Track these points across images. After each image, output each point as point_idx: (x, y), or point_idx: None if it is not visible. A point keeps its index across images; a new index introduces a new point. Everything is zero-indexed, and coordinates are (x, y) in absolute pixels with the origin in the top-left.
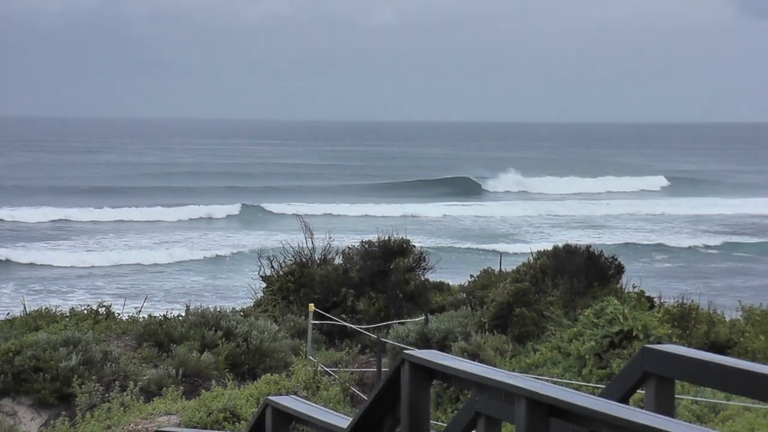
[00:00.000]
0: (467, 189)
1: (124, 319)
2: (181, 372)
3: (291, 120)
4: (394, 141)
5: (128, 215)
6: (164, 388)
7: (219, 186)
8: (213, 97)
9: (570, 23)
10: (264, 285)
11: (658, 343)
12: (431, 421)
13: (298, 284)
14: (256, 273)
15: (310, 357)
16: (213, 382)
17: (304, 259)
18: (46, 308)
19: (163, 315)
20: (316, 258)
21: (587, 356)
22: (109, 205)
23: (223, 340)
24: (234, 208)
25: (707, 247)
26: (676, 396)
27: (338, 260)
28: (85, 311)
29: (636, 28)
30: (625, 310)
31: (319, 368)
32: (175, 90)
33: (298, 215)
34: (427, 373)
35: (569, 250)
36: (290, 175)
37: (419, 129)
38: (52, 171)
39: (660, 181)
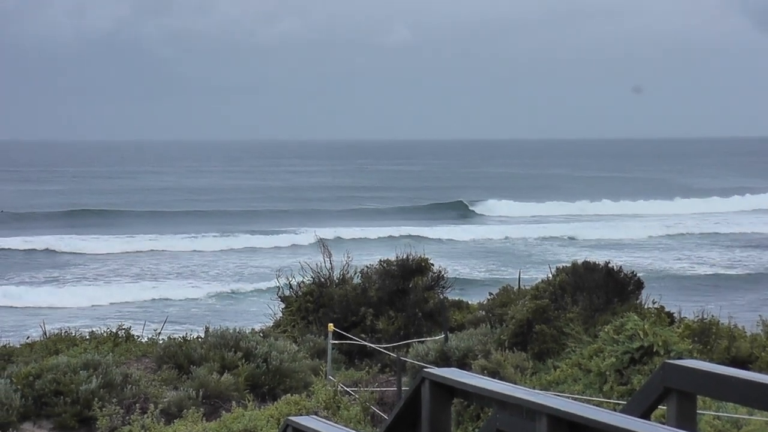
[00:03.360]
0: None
1: (143, 341)
2: (201, 394)
3: (307, 140)
4: (410, 160)
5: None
6: (185, 410)
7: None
8: (229, 118)
9: (586, 38)
10: (283, 305)
11: (679, 358)
12: None
13: (316, 304)
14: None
15: (330, 377)
16: (233, 403)
17: (322, 279)
18: (66, 331)
19: (183, 337)
20: (335, 278)
21: (608, 373)
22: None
23: (243, 361)
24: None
25: None
26: (697, 411)
27: (357, 280)
28: (105, 334)
29: (647, 44)
30: (645, 326)
31: (339, 388)
32: (191, 111)
33: (319, 237)
34: (447, 391)
35: (588, 267)
36: (304, 200)
37: (440, 147)
38: (103, 197)
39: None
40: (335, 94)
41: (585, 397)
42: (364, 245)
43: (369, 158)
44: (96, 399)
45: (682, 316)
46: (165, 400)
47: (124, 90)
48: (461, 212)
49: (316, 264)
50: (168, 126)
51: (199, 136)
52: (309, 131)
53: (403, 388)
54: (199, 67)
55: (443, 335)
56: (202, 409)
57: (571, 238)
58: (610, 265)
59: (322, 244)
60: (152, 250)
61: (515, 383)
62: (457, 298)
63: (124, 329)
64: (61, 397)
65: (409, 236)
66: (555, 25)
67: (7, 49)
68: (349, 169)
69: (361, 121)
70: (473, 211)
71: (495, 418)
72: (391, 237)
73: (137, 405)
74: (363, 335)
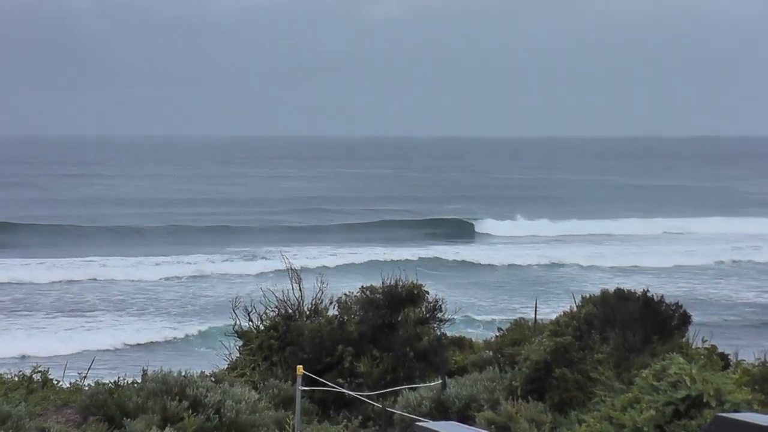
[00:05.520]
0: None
1: (64, 387)
2: None
3: (277, 137)
4: (403, 162)
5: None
6: None
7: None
8: (176, 110)
9: (598, 17)
10: (240, 343)
11: (735, 411)
12: None
13: (282, 341)
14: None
15: None
16: None
17: (290, 310)
18: None
19: (114, 382)
20: (305, 308)
21: (646, 428)
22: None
23: (190, 412)
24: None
25: None
26: None
27: (333, 311)
28: (16, 378)
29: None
30: (693, 371)
31: None
32: (129, 102)
33: (282, 254)
34: None
35: (621, 296)
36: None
37: (438, 146)
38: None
39: None
40: (311, 81)
41: None
42: (341, 270)
43: (354, 159)
44: None
45: (739, 359)
46: None
47: (45, 74)
48: (460, 231)
49: (282, 291)
50: (100, 119)
51: (139, 131)
52: (280, 127)
53: None
54: (138, 47)
55: (440, 380)
56: None
57: (593, 266)
58: (648, 294)
59: (290, 267)
60: (69, 280)
61: None
62: (457, 335)
63: (40, 372)
64: None
65: (393, 261)
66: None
67: None
68: (329, 173)
69: (346, 116)
70: (476, 230)
71: None
72: (371, 261)
73: None
74: (340, 380)
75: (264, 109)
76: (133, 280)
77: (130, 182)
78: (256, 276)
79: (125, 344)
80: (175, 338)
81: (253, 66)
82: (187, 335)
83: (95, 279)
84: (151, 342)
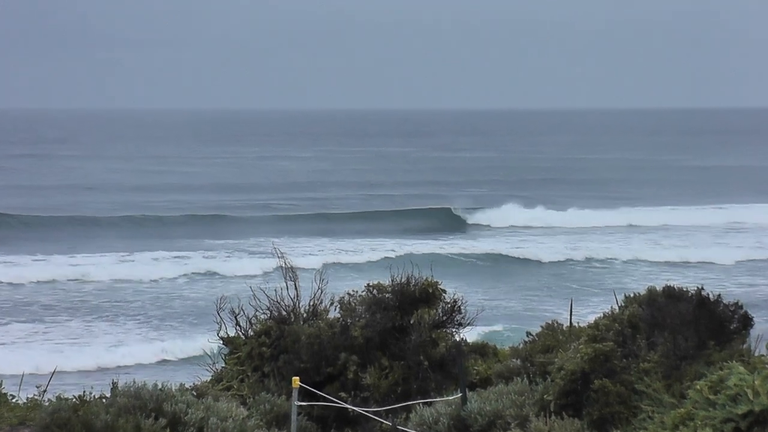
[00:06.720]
0: None
1: (21, 403)
2: None
3: (273, 109)
4: (410, 139)
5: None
6: None
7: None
8: (160, 81)
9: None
10: (226, 350)
11: None
12: None
13: (275, 348)
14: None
15: None
16: None
17: (284, 313)
18: None
19: (79, 396)
20: (302, 310)
21: None
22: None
23: (168, 431)
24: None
25: None
26: None
27: (334, 313)
28: None
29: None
30: (756, 382)
31: None
32: (100, 70)
33: (275, 248)
34: None
35: (671, 294)
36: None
37: (453, 120)
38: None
39: None
40: (306, 47)
41: None
42: (336, 267)
43: (356, 136)
44: None
45: None
46: None
47: (22, 43)
48: (455, 222)
49: (275, 291)
50: (64, 89)
51: (111, 104)
52: (275, 99)
53: None
54: (116, 15)
55: (460, 394)
56: None
57: (637, 260)
58: (703, 293)
59: (284, 261)
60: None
61: None
62: (480, 341)
63: None
64: None
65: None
66: None
67: None
68: (330, 152)
69: (346, 86)
70: (502, 220)
71: None
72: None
73: None
74: (343, 393)
75: (254, 79)
76: (96, 280)
77: (95, 164)
78: (245, 275)
79: (94, 360)
80: (166, 359)
81: (243, 29)
82: (169, 352)
83: (53, 279)
84: (126, 356)
